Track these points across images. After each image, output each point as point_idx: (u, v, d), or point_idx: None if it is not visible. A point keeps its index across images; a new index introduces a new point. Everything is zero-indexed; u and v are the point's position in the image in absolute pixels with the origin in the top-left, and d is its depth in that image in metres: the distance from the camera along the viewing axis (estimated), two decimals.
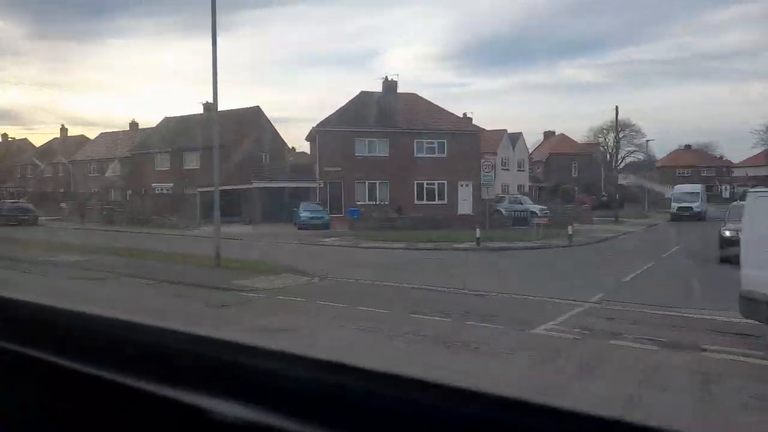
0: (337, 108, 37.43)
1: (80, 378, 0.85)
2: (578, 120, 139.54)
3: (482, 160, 28.14)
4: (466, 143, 36.77)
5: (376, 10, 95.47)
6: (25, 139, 63.51)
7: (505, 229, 27.41)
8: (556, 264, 17.51)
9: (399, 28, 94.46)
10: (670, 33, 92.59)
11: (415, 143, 36.47)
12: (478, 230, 21.26)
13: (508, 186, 50.55)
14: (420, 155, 36.52)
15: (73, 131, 63.69)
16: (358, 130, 35.35)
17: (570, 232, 22.52)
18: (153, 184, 45.95)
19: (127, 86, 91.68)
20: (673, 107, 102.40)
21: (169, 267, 14.06)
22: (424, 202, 36.29)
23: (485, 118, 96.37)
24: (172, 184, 44.86)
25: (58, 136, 64.19)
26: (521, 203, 35.75)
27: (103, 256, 16.05)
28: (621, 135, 53.45)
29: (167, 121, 50.21)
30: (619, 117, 46.72)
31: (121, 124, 73.10)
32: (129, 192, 48.57)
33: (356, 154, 35.60)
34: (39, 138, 71.23)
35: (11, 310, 1.10)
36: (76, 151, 56.46)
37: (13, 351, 0.95)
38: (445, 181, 36.68)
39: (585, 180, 60.72)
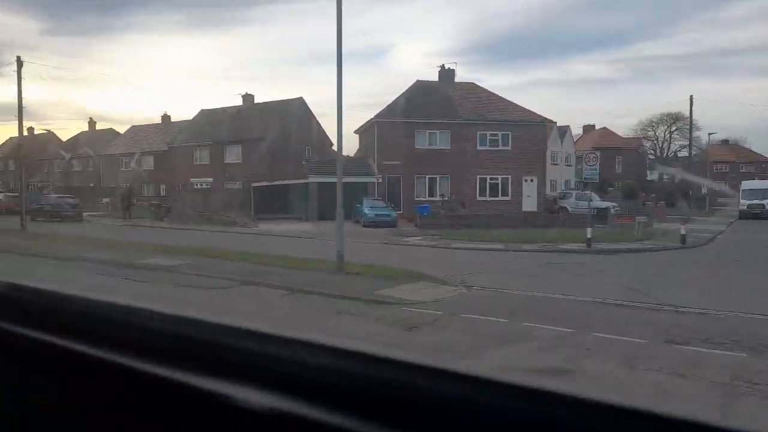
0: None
1: (111, 368, 0.85)
2: (591, 116, 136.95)
3: (586, 153, 25.96)
4: (532, 135, 34.51)
5: (386, 6, 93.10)
6: (51, 132, 61.76)
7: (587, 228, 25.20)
8: (707, 269, 15.39)
9: (408, 23, 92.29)
10: (684, 28, 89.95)
11: (477, 135, 34.22)
12: (588, 230, 19.19)
13: (556, 181, 48.36)
14: (482, 148, 34.27)
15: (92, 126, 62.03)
16: (419, 122, 33.19)
17: (683, 231, 20.46)
18: (191, 179, 44.09)
19: (141, 81, 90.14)
20: (685, 102, 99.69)
21: (288, 273, 12.07)
22: (487, 198, 34.16)
23: None
24: (211, 179, 42.97)
25: (85, 129, 62.61)
26: (591, 200, 33.47)
27: (197, 258, 14.12)
28: (674, 128, 51.03)
29: (203, 113, 48.25)
30: (662, 111, 44.37)
31: (137, 119, 71.31)
32: (164, 187, 46.77)
33: (416, 147, 33.48)
34: (60, 134, 69.51)
35: (55, 302, 1.06)
36: (106, 145, 54.73)
37: (48, 342, 0.95)
38: (509, 176, 34.51)
39: (630, 175, 58.27)
